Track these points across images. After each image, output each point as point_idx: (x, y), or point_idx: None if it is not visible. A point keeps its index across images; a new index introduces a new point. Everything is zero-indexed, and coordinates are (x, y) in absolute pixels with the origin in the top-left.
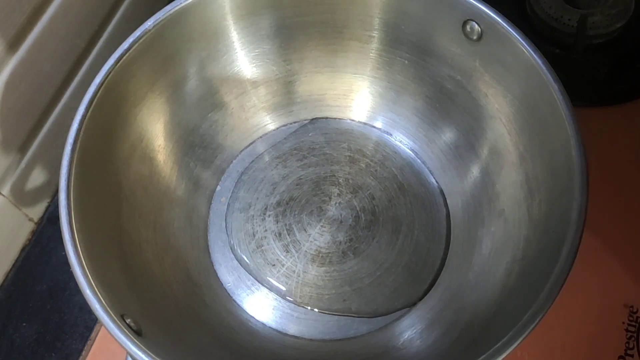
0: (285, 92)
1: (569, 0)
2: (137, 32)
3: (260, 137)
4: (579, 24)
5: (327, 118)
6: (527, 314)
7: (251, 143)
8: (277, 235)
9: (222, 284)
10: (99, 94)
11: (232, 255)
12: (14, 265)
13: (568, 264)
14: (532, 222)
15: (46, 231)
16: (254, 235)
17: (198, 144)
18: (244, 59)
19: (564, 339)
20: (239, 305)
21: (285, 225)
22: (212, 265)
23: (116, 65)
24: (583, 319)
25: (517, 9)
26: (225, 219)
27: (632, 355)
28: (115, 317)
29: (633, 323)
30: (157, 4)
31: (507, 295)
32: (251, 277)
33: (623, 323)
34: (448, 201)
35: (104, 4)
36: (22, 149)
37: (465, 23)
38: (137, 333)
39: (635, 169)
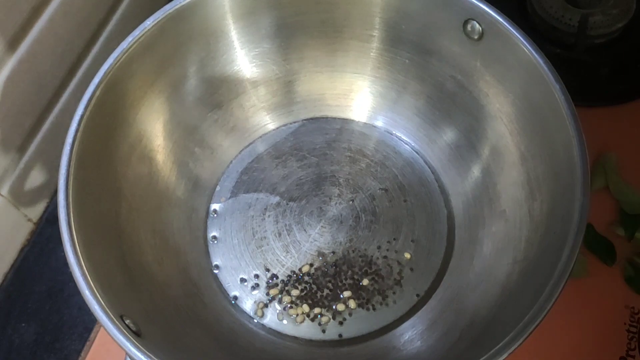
0: (285, 92)
1: (570, 0)
2: (137, 32)
3: (260, 137)
4: (580, 23)
5: (327, 118)
6: (528, 315)
7: (251, 143)
8: (277, 235)
9: (221, 285)
10: (98, 94)
11: (232, 256)
12: (12, 265)
13: (569, 265)
14: (533, 222)
15: (45, 232)
16: (254, 236)
17: (197, 144)
18: (243, 58)
19: (565, 339)
20: (238, 306)
21: (285, 225)
22: (212, 266)
23: (115, 64)
24: (584, 320)
25: (518, 9)
26: (225, 220)
27: (633, 356)
28: (114, 318)
29: (634, 324)
30: (157, 4)
31: (508, 296)
32: (251, 277)
33: (624, 324)
34: (448, 202)
35: (103, 3)
36: (21, 148)
37: (466, 22)
38: (136, 334)
39: (636, 169)
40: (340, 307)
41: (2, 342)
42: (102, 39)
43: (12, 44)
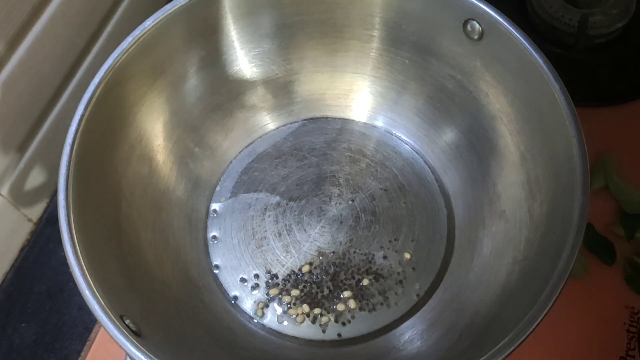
0: (285, 92)
1: (570, 0)
2: (137, 32)
3: (260, 137)
4: (579, 23)
5: (327, 118)
6: (528, 315)
7: (251, 143)
8: (277, 235)
9: (221, 285)
10: (98, 94)
11: (232, 256)
12: (12, 265)
13: (569, 266)
14: (533, 223)
15: (45, 232)
16: (254, 236)
17: (198, 144)
18: (243, 58)
19: (565, 339)
20: (238, 306)
21: (285, 225)
22: (212, 266)
23: (115, 64)
24: (584, 320)
25: (518, 9)
26: (225, 220)
27: (633, 356)
28: (114, 318)
29: (634, 324)
30: (156, 4)
31: (507, 296)
32: (251, 277)
33: (624, 324)
34: (448, 202)
35: (102, 4)
36: (21, 149)
37: (466, 22)
38: (136, 334)
39: (637, 169)
40: (340, 307)
41: (2, 342)
42: (102, 39)
43: (12, 44)
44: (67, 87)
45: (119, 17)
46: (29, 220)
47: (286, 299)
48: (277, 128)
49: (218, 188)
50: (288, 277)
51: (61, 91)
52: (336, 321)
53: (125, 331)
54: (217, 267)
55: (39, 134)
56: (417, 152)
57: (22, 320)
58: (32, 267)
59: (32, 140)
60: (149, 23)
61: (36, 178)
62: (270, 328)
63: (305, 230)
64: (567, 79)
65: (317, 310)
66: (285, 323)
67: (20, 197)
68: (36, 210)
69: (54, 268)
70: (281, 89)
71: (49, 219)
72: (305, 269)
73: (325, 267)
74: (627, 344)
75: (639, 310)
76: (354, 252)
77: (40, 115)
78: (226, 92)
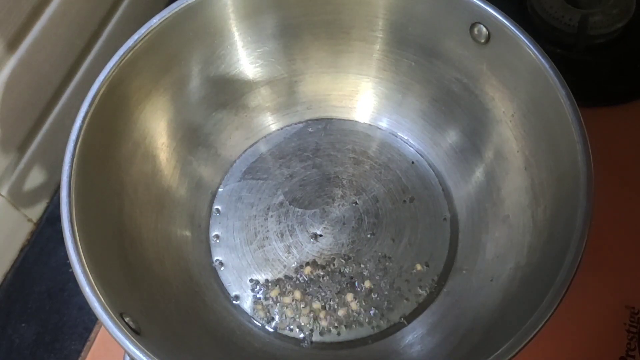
0: (290, 92)
1: (570, 0)
2: (142, 30)
3: (264, 137)
4: (580, 23)
5: (331, 119)
6: (529, 322)
7: (255, 143)
8: (279, 235)
9: (222, 284)
10: (102, 91)
11: (233, 256)
12: (12, 265)
13: (572, 272)
14: (536, 228)
15: (45, 232)
16: (256, 236)
17: (201, 143)
18: (248, 58)
19: (565, 339)
20: (239, 306)
21: (288, 226)
22: (213, 265)
23: (121, 62)
24: (584, 320)
25: (518, 9)
26: (228, 219)
27: (633, 356)
28: (114, 316)
29: (634, 324)
30: (156, 5)
31: (509, 302)
32: (252, 277)
33: (624, 324)
34: (452, 205)
35: (103, 4)
36: (21, 149)
37: (473, 26)
38: (136, 332)
39: (636, 169)
40: (341, 309)
41: (2, 342)
42: (102, 39)
43: (13, 44)
44: (67, 87)
45: (119, 17)
46: (29, 220)
47: (287, 299)
48: (281, 128)
49: (221, 187)
50: (289, 278)
51: (61, 91)
52: (336, 323)
53: (124, 329)
54: (218, 266)
55: (39, 134)
56: (421, 155)
57: (22, 320)
58: (32, 267)
59: (32, 140)
60: (155, 21)
61: (36, 178)
62: (270, 329)
63: (307, 231)
64: (568, 79)
65: (317, 312)
66: (285, 324)
67: (20, 197)
68: (36, 210)
69: (54, 268)
70: (286, 89)
71: (49, 219)
72: (307, 270)
73: (326, 269)
74: (627, 344)
75: (639, 311)
76: (356, 254)
77: (40, 115)
78: (230, 92)
